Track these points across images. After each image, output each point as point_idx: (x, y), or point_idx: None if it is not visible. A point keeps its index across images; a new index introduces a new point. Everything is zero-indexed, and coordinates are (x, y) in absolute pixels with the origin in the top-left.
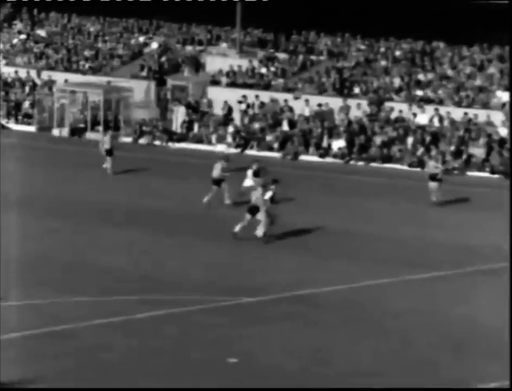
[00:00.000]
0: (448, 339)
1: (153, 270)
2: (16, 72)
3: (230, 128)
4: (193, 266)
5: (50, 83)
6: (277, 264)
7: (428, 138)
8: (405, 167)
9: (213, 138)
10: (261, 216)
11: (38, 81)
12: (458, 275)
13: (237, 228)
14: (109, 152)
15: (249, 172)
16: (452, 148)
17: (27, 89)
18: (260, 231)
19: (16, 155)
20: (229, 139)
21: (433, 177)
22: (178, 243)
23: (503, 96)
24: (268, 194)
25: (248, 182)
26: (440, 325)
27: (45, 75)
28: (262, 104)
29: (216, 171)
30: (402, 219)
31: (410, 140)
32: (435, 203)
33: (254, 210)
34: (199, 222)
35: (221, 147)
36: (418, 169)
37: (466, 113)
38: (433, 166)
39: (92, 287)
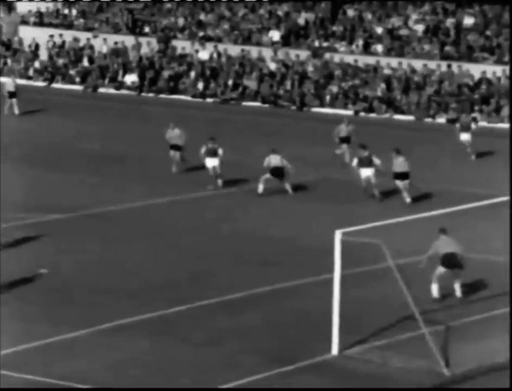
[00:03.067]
0: (229, 251)
1: None
2: None
3: (38, 64)
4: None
5: None
6: (83, 188)
7: (208, 72)
8: (189, 98)
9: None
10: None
11: None
12: (238, 193)
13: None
14: (13, 94)
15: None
16: (230, 81)
17: None
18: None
19: None
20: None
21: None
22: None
23: (274, 35)
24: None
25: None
26: (222, 238)
27: None
28: (66, 42)
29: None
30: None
31: (193, 74)
32: None
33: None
34: (33, 151)
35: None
36: (200, 100)
37: (242, 50)
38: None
39: None
